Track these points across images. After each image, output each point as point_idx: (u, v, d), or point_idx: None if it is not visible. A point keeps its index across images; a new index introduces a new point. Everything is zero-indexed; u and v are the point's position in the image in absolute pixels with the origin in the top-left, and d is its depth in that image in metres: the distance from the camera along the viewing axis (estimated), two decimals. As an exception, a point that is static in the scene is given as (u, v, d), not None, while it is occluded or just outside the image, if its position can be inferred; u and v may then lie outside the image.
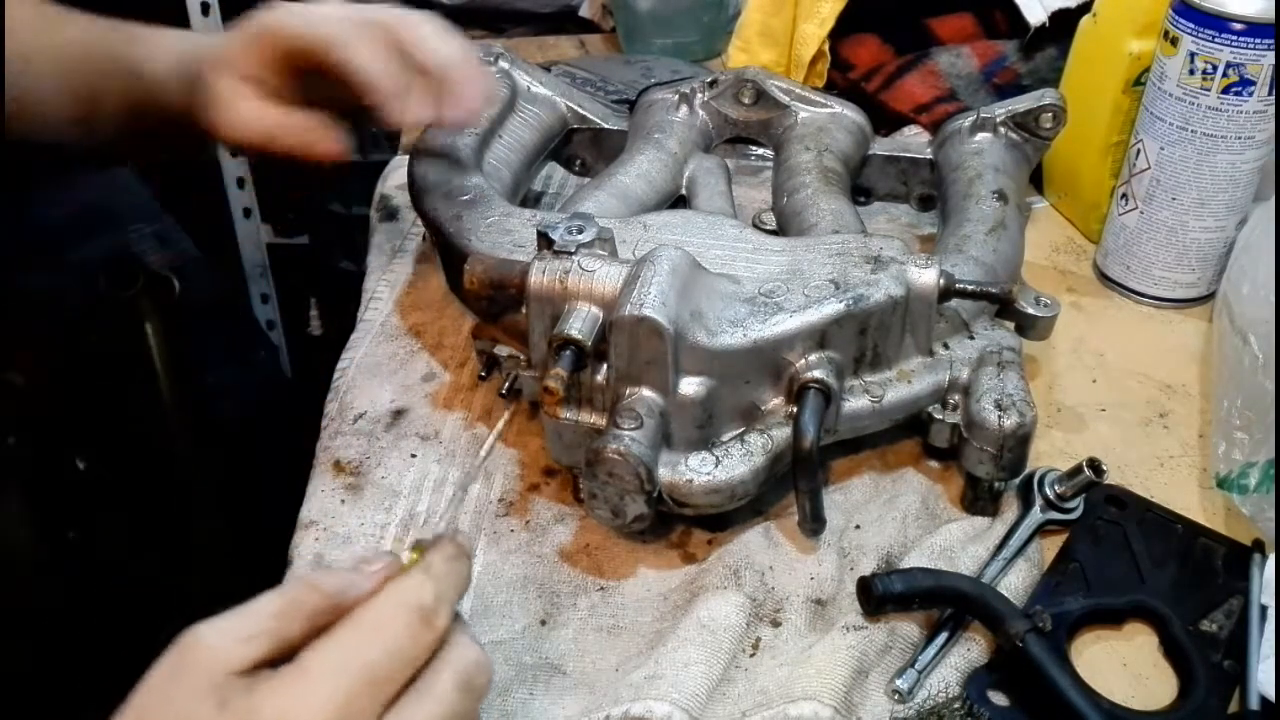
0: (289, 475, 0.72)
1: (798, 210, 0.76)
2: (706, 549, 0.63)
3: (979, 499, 0.64)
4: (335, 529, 0.63)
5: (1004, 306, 0.66)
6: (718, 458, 0.59)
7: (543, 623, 0.59)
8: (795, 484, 0.59)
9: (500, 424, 0.69)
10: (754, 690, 0.54)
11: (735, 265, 0.65)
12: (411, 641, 0.40)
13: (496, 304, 0.65)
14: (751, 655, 0.56)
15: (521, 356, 0.67)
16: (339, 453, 0.69)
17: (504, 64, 0.85)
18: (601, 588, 0.61)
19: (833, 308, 0.60)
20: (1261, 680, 0.53)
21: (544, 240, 0.62)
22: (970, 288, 0.64)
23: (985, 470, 0.62)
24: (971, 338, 0.66)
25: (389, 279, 0.84)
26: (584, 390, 0.61)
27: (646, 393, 0.59)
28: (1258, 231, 0.74)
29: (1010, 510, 0.64)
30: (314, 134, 0.66)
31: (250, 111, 0.66)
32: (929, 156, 0.84)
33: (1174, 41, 0.74)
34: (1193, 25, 0.72)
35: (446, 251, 0.74)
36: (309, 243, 1.81)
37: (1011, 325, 0.67)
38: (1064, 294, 0.83)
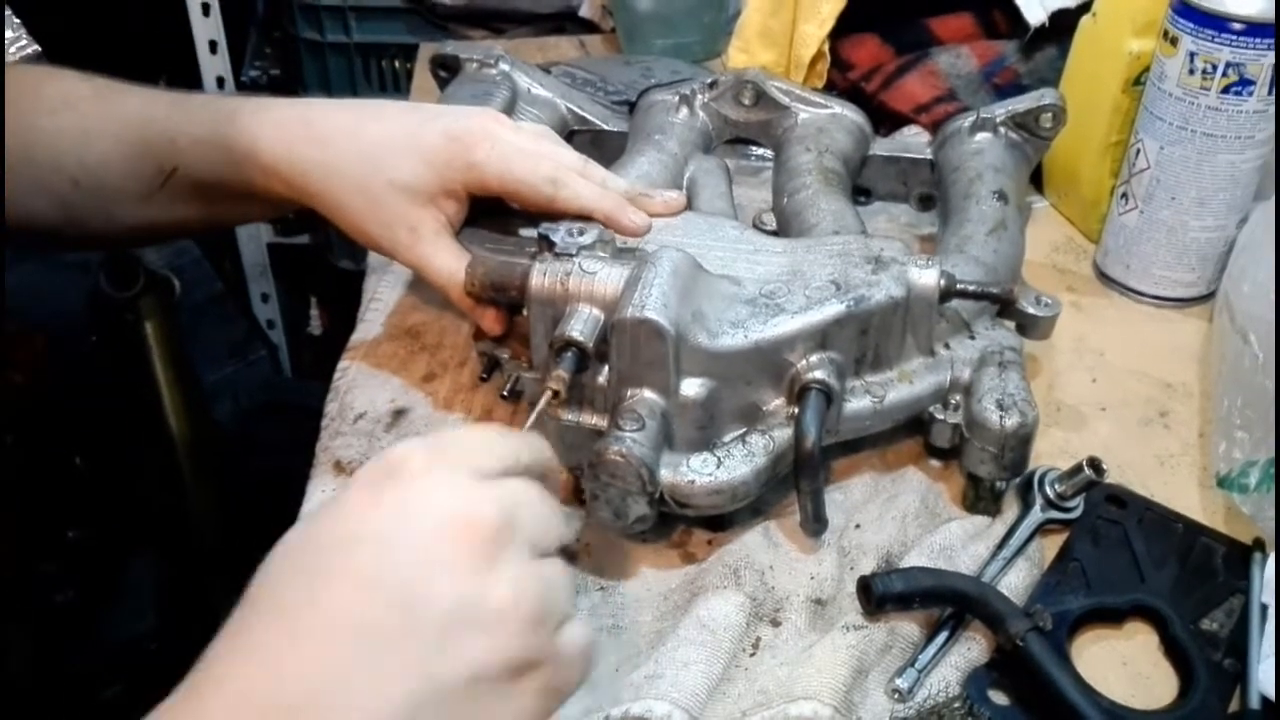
0: (289, 475, 0.72)
1: (798, 211, 0.76)
2: (706, 549, 0.63)
3: (980, 498, 0.64)
4: (336, 529, 0.63)
5: (1005, 306, 0.66)
6: (719, 459, 0.59)
7: (544, 623, 0.59)
8: (797, 484, 0.59)
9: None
10: (754, 690, 0.54)
11: (736, 266, 0.65)
12: None
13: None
14: (751, 655, 0.56)
15: (522, 358, 0.67)
16: (339, 453, 0.69)
17: (504, 66, 0.85)
18: (602, 587, 0.61)
19: (834, 308, 0.60)
20: (1262, 679, 0.53)
21: (545, 242, 0.62)
22: (971, 288, 0.64)
23: (987, 470, 0.62)
24: (972, 338, 0.66)
25: (389, 279, 0.84)
26: (585, 392, 0.61)
27: (648, 394, 0.59)
28: (1258, 231, 0.74)
29: (1010, 509, 0.64)
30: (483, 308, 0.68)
31: (452, 262, 0.67)
32: (929, 157, 0.84)
33: (1174, 41, 0.74)
34: (1193, 25, 0.72)
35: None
36: (309, 242, 1.81)
37: (1012, 325, 0.68)
38: (1064, 293, 0.83)
